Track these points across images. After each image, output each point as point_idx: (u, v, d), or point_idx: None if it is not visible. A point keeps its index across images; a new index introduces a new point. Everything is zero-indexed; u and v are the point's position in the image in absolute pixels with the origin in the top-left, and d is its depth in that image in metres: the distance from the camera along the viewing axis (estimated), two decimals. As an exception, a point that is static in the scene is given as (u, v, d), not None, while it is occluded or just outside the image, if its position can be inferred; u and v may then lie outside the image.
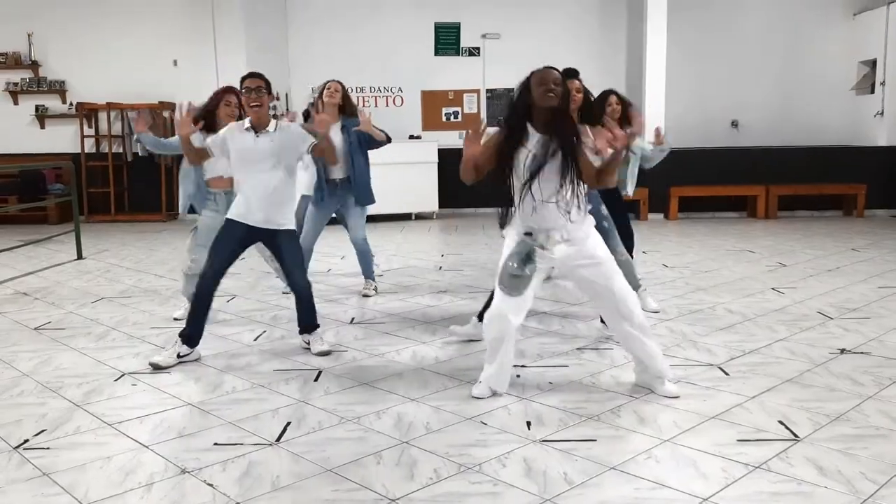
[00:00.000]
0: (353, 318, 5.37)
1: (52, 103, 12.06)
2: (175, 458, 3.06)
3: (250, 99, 4.29)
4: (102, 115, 12.00)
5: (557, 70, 3.63)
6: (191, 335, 4.37)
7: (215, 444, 3.21)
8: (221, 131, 4.52)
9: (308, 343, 4.57)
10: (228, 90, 5.24)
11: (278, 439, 3.24)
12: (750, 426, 3.25)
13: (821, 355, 4.23)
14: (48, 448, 3.21)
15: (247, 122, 4.39)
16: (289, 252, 4.49)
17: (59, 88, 12.01)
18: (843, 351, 4.32)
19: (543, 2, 12.04)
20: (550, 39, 11.94)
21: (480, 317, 4.44)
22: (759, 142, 11.67)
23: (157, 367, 4.24)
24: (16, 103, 12.12)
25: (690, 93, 11.68)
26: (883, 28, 11.06)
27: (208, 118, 5.03)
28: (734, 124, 11.99)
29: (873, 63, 11.33)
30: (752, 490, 2.66)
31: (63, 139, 12.02)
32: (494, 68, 12.21)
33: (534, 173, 3.52)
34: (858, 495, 2.61)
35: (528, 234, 3.64)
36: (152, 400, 3.80)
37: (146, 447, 3.20)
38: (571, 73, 5.43)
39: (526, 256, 3.60)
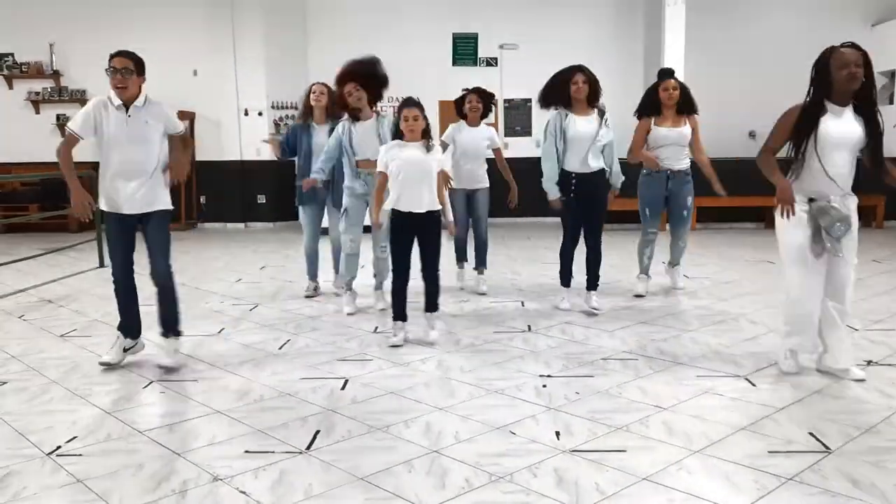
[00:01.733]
0: (376, 328, 5.39)
1: (74, 112, 12.03)
2: (207, 466, 3.09)
3: (115, 80, 4.18)
4: (122, 124, 12.09)
5: (857, 47, 3.78)
6: (128, 326, 4.55)
7: (246, 451, 3.24)
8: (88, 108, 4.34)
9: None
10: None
11: (308, 447, 3.26)
12: (780, 438, 3.24)
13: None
14: (80, 455, 3.24)
15: (115, 100, 4.26)
16: (153, 235, 4.45)
17: (80, 97, 12.11)
18: (869, 363, 4.30)
19: (560, 13, 12.09)
20: (568, 50, 11.84)
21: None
22: (778, 152, 11.64)
23: (108, 365, 4.43)
24: (37, 112, 12.26)
25: (708, 103, 11.49)
26: (901, 39, 11.05)
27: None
28: (752, 135, 11.96)
29: (891, 74, 11.31)
30: (787, 502, 2.66)
31: (84, 148, 11.95)
32: (512, 78, 12.26)
33: (865, 147, 3.86)
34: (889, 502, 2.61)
35: (812, 199, 3.90)
36: (181, 407, 3.83)
37: (178, 454, 3.22)
38: (668, 73, 6.13)
39: (847, 218, 3.84)
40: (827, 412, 3.54)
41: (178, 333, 4.56)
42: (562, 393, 3.90)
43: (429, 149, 4.79)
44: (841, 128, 3.80)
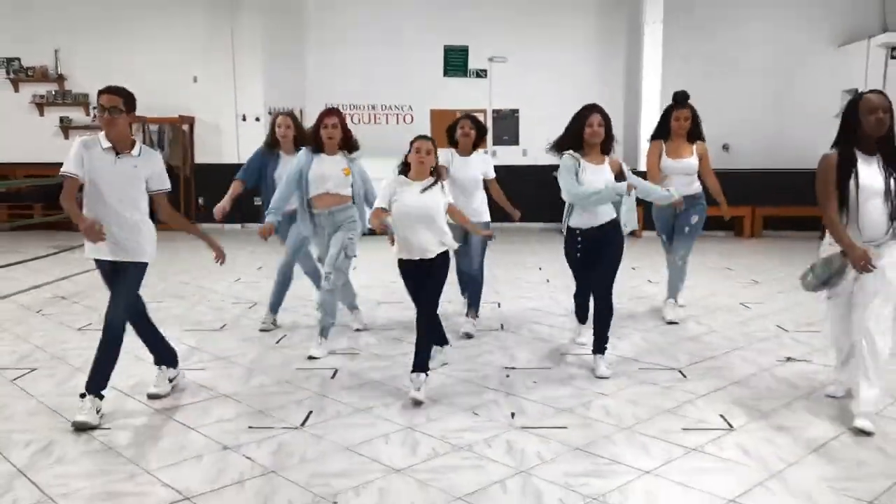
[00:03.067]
0: (364, 326, 5.96)
1: (76, 115, 12.74)
2: (217, 438, 3.71)
3: (103, 120, 3.88)
4: (125, 128, 12.64)
5: (883, 94, 3.78)
6: (164, 355, 4.42)
7: (250, 427, 3.86)
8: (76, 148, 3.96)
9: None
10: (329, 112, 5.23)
11: (303, 424, 3.88)
12: (695, 418, 3.90)
13: (769, 362, 4.89)
14: (109, 428, 3.84)
15: (105, 141, 3.94)
16: (123, 282, 4.07)
17: (83, 101, 12.71)
18: (788, 359, 4.96)
19: (548, 28, 12.71)
20: (554, 64, 12.66)
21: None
22: (748, 165, 12.30)
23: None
24: (42, 115, 12.82)
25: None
26: (864, 59, 11.72)
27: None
28: (725, 147, 12.59)
29: (856, 92, 11.95)
30: (686, 466, 3.32)
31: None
32: (500, 90, 12.92)
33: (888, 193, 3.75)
34: (769, 469, 3.27)
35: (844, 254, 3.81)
36: (191, 391, 4.44)
37: (192, 428, 3.84)
38: (683, 99, 6.02)
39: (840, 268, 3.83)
40: (740, 399, 4.20)
41: (97, 392, 3.96)
42: (521, 382, 4.54)
43: (435, 186, 4.38)
44: (872, 178, 3.75)
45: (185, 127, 12.63)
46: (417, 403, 4.13)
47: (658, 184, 5.58)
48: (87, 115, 12.69)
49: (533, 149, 12.65)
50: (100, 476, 3.30)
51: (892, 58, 11.52)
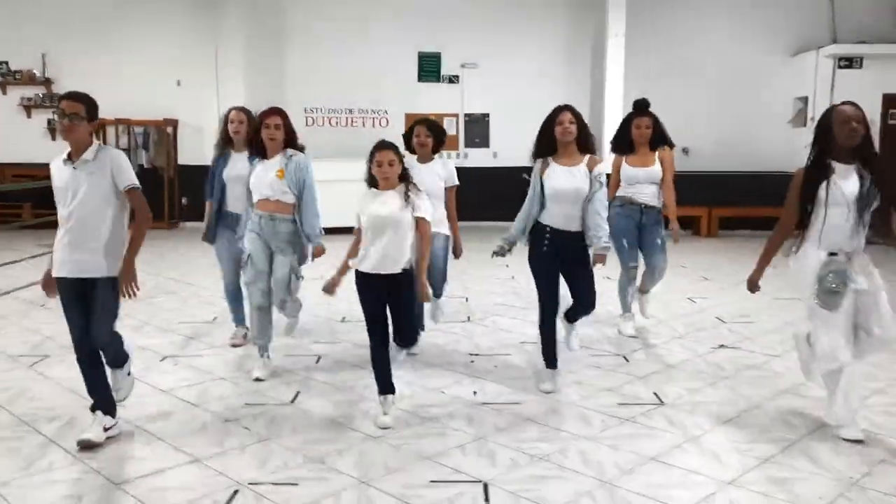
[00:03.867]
0: (343, 318, 6.55)
1: (64, 118, 13.13)
2: (219, 413, 4.28)
3: (61, 125, 3.71)
4: (110, 130, 13.10)
5: (856, 105, 3.80)
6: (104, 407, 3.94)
7: (246, 403, 4.43)
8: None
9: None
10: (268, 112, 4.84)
11: (292, 401, 4.47)
12: (631, 395, 4.55)
13: (704, 349, 5.54)
14: (124, 406, 4.39)
15: (65, 154, 3.77)
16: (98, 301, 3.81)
17: (70, 104, 13.10)
18: (721, 346, 5.61)
19: (516, 36, 13.36)
20: (522, 70, 13.30)
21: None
22: (707, 167, 13.01)
23: (87, 445, 3.78)
24: (29, 117, 13.22)
25: (645, 121, 12.99)
26: (814, 68, 12.49)
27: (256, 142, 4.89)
28: (685, 151, 13.28)
29: (806, 99, 12.73)
30: (619, 433, 3.96)
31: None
32: (472, 94, 13.56)
33: (862, 201, 3.76)
34: (687, 435, 3.90)
35: (833, 254, 3.86)
36: (192, 375, 5.00)
37: (196, 406, 4.41)
38: (642, 106, 5.92)
39: (843, 274, 3.80)
40: (673, 379, 4.85)
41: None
42: (484, 366, 5.15)
43: (407, 197, 4.08)
44: (844, 186, 3.78)
45: (169, 129, 13.11)
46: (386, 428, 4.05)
47: (623, 192, 5.78)
48: (74, 117, 13.09)
49: (503, 151, 13.25)
50: (122, 442, 3.87)
51: (840, 67, 12.30)
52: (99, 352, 3.91)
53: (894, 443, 3.86)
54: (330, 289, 4.23)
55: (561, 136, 4.53)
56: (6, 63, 13.12)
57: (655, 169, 5.82)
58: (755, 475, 3.48)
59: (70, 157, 3.73)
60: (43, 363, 5.22)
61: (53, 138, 13.10)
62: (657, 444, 3.83)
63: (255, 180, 4.85)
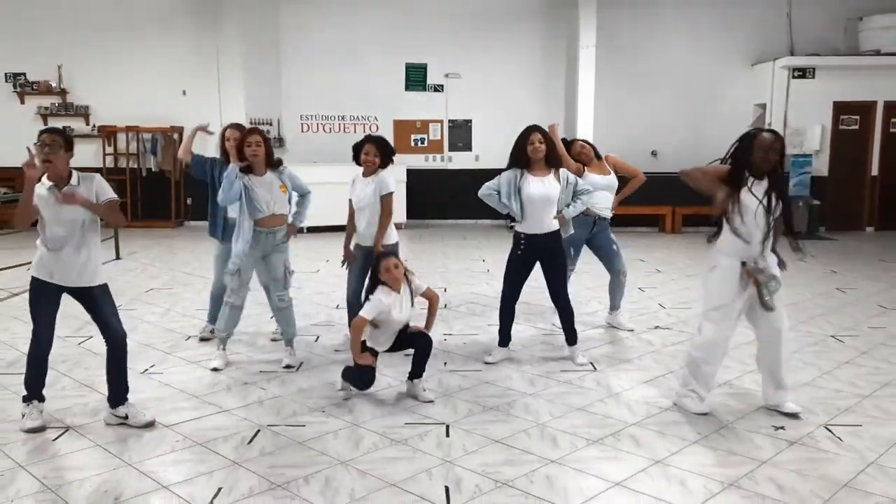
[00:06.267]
0: (338, 305, 7.58)
1: (78, 125, 14.07)
2: (239, 378, 5.32)
3: (42, 153, 4.13)
4: (121, 136, 14.11)
5: (777, 134, 4.35)
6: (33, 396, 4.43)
7: (260, 371, 5.48)
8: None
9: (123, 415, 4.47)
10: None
11: (297, 370, 5.52)
12: (573, 367, 5.58)
13: (641, 329, 6.60)
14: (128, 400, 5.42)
15: (46, 181, 4.23)
16: (101, 305, 4.44)
17: (83, 112, 14.09)
18: (656, 327, 6.68)
19: (497, 48, 14.40)
20: (502, 79, 14.38)
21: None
22: (672, 168, 14.02)
23: (32, 431, 4.31)
24: (45, 125, 14.09)
25: (618, 127, 13.96)
26: (770, 78, 13.56)
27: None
28: (654, 154, 14.33)
29: (764, 106, 13.81)
30: (558, 392, 5.02)
31: (86, 156, 13.96)
32: (455, 102, 14.62)
33: (770, 213, 4.30)
34: (610, 391, 4.97)
35: (743, 263, 4.41)
36: (213, 349, 5.94)
37: (196, 396, 5.13)
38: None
39: (777, 278, 4.39)
40: (609, 353, 5.92)
41: (125, 398, 4.52)
42: (454, 343, 6.20)
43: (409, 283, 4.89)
44: (759, 194, 4.30)
45: (176, 135, 14.07)
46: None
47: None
48: (88, 125, 14.08)
49: (484, 154, 14.27)
50: (161, 398, 4.92)
51: (794, 77, 13.37)
52: (45, 351, 4.39)
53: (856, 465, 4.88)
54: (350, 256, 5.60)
55: (532, 153, 5.36)
56: (24, 74, 14.07)
57: (612, 178, 6.53)
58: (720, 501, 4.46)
59: (56, 185, 4.21)
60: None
61: (67, 144, 14.03)
62: (586, 397, 4.90)
63: (259, 197, 5.37)
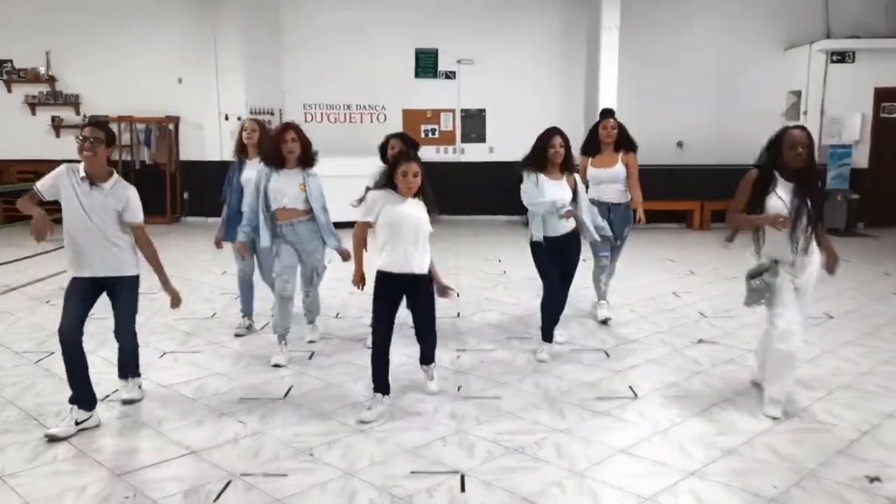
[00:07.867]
0: (337, 314, 6.77)
1: (67, 115, 13.35)
2: (215, 407, 4.51)
3: (84, 147, 4.15)
4: (113, 127, 13.25)
5: (806, 130, 4.28)
6: (81, 399, 4.24)
7: (241, 398, 4.66)
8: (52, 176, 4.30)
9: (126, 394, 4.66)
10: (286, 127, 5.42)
11: (285, 396, 4.70)
12: (609, 389, 4.76)
13: (683, 343, 5.76)
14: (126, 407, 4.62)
15: (82, 171, 4.24)
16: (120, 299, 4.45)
17: (73, 101, 13.33)
18: (700, 341, 5.82)
19: (512, 32, 13.50)
20: (518, 67, 13.47)
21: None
22: (699, 161, 13.19)
23: (53, 439, 4.07)
24: (34, 114, 13.41)
25: (640, 116, 13.05)
26: (807, 63, 12.64)
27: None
28: (679, 144, 13.47)
29: (799, 93, 12.89)
30: (594, 426, 4.20)
31: (75, 148, 13.34)
32: (468, 90, 13.69)
33: (798, 216, 4.23)
34: (657, 427, 4.12)
35: (776, 261, 4.39)
36: (191, 370, 5.22)
37: (194, 400, 4.64)
38: (609, 112, 6.57)
39: (770, 273, 4.37)
40: (650, 374, 5.06)
41: (136, 374, 4.73)
42: (469, 362, 5.37)
43: (424, 206, 4.54)
44: (785, 200, 4.25)
45: (171, 126, 13.29)
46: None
47: (590, 195, 5.97)
48: (77, 114, 13.31)
49: (499, 146, 13.40)
50: (124, 435, 4.11)
51: (832, 62, 12.45)
52: (78, 343, 4.24)
53: (852, 435, 4.07)
54: (359, 282, 4.61)
55: (553, 157, 5.34)
56: (11, 61, 13.31)
57: (617, 169, 6.42)
58: (718, 466, 3.70)
59: (89, 179, 4.22)
60: (48, 360, 5.44)
61: (58, 135, 13.32)
62: (628, 436, 4.05)
63: (275, 189, 5.35)
